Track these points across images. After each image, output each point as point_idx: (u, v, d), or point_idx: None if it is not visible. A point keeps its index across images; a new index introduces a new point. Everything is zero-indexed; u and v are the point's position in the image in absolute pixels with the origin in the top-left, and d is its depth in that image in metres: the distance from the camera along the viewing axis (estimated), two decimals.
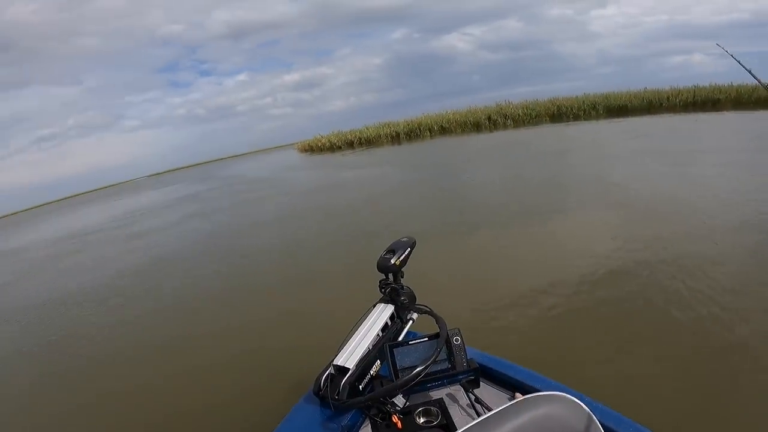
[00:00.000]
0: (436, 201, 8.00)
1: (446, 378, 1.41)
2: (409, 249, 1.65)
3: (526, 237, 5.26)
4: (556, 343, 3.00)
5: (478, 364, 1.43)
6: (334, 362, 1.39)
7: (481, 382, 1.42)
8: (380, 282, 1.65)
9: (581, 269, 4.05)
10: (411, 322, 1.65)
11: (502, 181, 9.12)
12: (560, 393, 0.91)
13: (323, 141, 21.31)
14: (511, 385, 1.39)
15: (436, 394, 1.42)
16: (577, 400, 0.90)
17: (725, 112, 17.12)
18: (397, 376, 1.33)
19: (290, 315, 4.05)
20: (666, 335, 2.95)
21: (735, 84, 19.47)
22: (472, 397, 1.33)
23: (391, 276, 1.65)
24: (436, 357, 1.31)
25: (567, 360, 2.73)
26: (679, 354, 2.75)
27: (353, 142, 20.16)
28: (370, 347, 1.46)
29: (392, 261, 1.59)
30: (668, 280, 3.67)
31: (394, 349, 1.37)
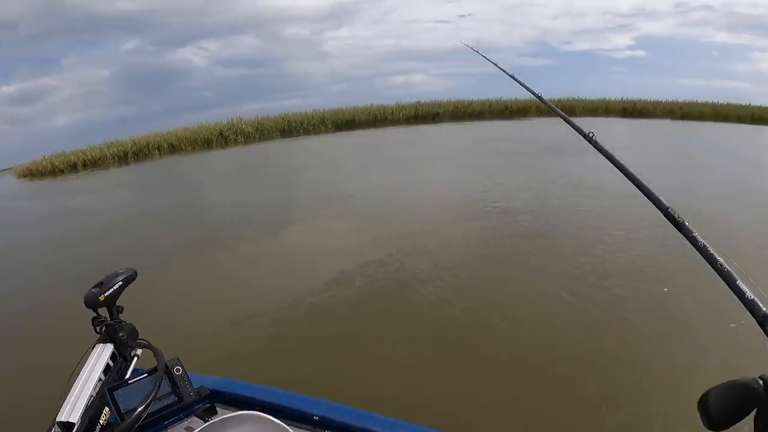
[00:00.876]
0: (168, 225, 7.96)
1: (181, 411, 1.39)
2: (121, 281, 1.46)
3: (264, 254, 5.42)
4: (297, 354, 3.06)
5: (211, 390, 1.43)
6: (57, 419, 1.22)
7: (219, 408, 1.42)
8: (93, 320, 1.45)
9: (319, 280, 4.22)
10: (136, 359, 1.50)
11: (238, 199, 9.27)
12: (254, 412, 0.97)
13: (44, 164, 19.82)
14: (250, 405, 1.37)
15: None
16: (272, 418, 0.96)
17: (443, 124, 20.42)
18: (123, 421, 1.24)
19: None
20: (403, 324, 3.34)
21: (453, 100, 23.93)
22: None
23: (106, 312, 1.48)
24: (157, 392, 1.29)
25: (309, 368, 2.83)
26: (406, 339, 3.12)
27: (77, 165, 19.37)
28: (94, 394, 1.30)
29: (99, 296, 1.41)
30: (403, 273, 4.04)
31: (113, 392, 1.29)
